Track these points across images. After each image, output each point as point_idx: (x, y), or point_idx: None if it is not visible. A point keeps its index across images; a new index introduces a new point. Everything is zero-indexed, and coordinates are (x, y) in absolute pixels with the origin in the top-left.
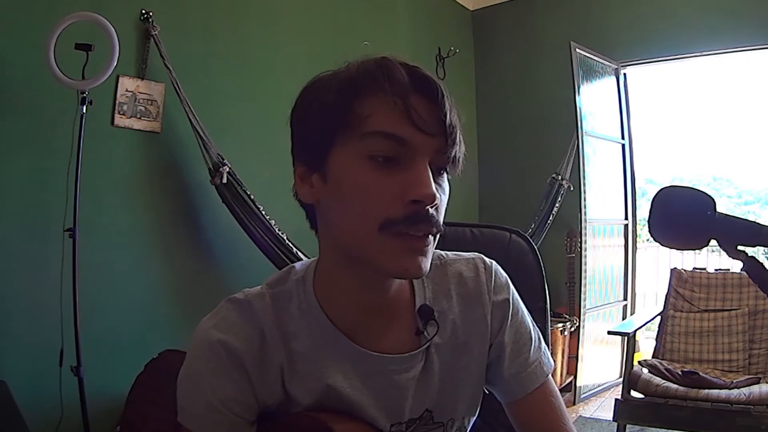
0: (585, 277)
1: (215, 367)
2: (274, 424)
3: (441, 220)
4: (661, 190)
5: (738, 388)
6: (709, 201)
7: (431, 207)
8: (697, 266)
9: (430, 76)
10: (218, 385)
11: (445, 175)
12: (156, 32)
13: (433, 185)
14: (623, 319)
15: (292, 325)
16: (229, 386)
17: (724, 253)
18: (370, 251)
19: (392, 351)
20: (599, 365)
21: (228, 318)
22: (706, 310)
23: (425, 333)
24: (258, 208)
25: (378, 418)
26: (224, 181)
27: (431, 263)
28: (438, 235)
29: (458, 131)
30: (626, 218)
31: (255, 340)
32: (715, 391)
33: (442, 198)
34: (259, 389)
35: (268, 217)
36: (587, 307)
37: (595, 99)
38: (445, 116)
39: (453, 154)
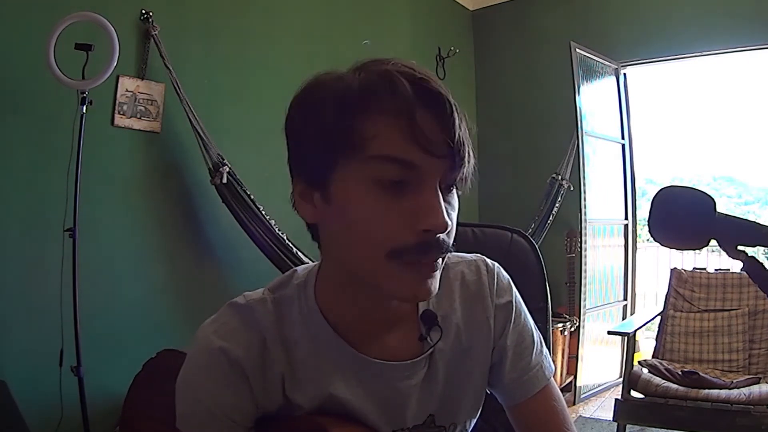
0: (585, 277)
1: (215, 374)
2: (272, 426)
3: (452, 239)
4: (661, 190)
5: (738, 388)
6: (709, 201)
7: (443, 233)
8: (697, 266)
9: (437, 89)
10: (218, 393)
11: (454, 191)
12: (156, 32)
13: (444, 209)
14: (623, 319)
15: (293, 332)
16: (229, 394)
17: (724, 253)
18: (377, 277)
19: (395, 357)
20: (599, 365)
21: (229, 324)
22: (706, 310)
23: (428, 339)
24: (258, 208)
25: (379, 424)
26: (224, 181)
27: None
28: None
29: (468, 148)
30: (626, 218)
31: (256, 347)
32: (715, 391)
33: (452, 216)
34: (260, 396)
35: (268, 217)
36: (587, 307)
37: (595, 99)
38: (454, 134)
39: (463, 172)
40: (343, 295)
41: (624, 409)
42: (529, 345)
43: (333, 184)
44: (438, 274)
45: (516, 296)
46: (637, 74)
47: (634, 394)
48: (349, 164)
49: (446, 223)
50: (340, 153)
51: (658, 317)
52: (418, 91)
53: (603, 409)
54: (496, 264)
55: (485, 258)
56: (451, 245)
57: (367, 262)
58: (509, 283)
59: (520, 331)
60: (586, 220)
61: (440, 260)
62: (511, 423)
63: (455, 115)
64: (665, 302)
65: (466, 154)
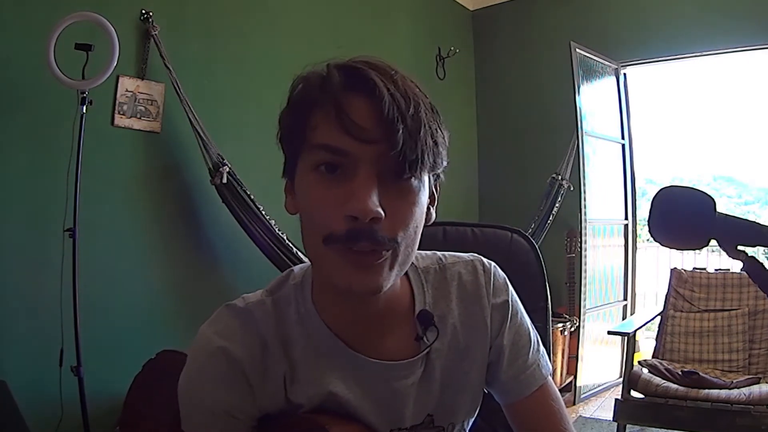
0: (585, 277)
1: (216, 374)
2: (272, 424)
3: (400, 233)
4: (661, 190)
5: (738, 388)
6: (709, 201)
7: (375, 222)
8: (697, 266)
9: (368, 76)
10: (219, 393)
11: (411, 180)
12: (156, 32)
13: (375, 198)
14: (623, 319)
15: (291, 332)
16: (230, 394)
17: (724, 253)
18: (320, 265)
19: (392, 357)
20: (599, 365)
21: (229, 325)
22: (706, 310)
23: (425, 339)
24: (258, 208)
25: (378, 424)
26: (224, 181)
27: (431, 268)
28: (399, 250)
29: (408, 129)
30: (626, 218)
31: (256, 350)
32: (715, 391)
33: (402, 207)
34: (260, 397)
35: (268, 217)
36: (587, 307)
37: (595, 99)
38: (385, 118)
39: (403, 156)
40: (329, 293)
41: (624, 409)
42: (526, 344)
43: (297, 175)
44: (383, 268)
45: (512, 295)
46: (637, 74)
47: (634, 394)
48: (303, 155)
49: (369, 209)
50: (298, 146)
51: (658, 317)
52: (348, 79)
53: (603, 409)
54: (493, 263)
55: (482, 258)
56: (391, 240)
57: (312, 249)
58: (506, 282)
59: (517, 330)
60: (586, 220)
61: (385, 253)
62: (509, 422)
63: (386, 98)
64: (665, 302)
65: (401, 136)
